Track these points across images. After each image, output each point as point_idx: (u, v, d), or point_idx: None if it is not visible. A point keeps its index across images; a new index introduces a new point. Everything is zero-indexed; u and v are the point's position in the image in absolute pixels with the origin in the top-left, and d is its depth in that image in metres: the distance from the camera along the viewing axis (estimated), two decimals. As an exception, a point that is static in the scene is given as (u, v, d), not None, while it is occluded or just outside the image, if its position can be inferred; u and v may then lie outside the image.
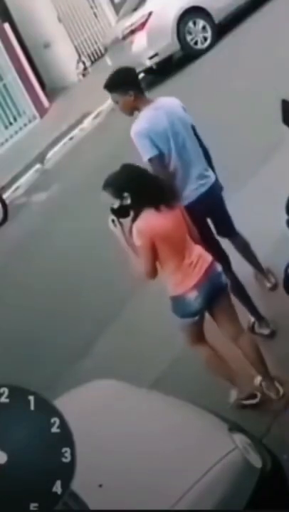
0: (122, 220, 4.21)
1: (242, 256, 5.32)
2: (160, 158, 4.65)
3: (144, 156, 4.66)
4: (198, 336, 4.44)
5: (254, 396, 4.51)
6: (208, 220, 4.99)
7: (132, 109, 4.82)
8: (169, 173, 4.70)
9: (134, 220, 4.14)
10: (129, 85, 4.78)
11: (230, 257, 4.98)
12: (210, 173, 4.96)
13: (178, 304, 4.27)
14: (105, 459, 3.39)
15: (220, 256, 4.72)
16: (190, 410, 3.79)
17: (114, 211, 4.14)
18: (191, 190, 4.80)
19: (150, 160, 4.65)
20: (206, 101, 9.75)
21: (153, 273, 4.16)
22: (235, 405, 4.54)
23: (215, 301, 4.32)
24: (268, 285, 5.38)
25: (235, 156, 7.43)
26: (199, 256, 4.23)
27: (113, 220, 4.18)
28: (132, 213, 4.15)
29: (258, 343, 4.54)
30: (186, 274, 4.18)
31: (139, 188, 4.11)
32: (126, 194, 4.09)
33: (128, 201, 4.10)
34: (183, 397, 4.18)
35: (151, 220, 4.10)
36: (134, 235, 4.11)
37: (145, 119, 4.70)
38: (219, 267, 4.30)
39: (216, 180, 4.98)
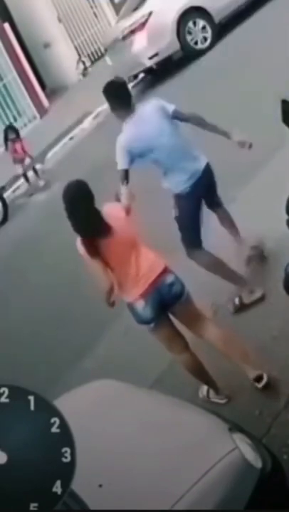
0: None
1: (228, 232, 5.56)
2: (127, 172, 5.05)
3: (118, 165, 5.10)
4: (170, 341, 4.48)
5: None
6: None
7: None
8: (129, 191, 5.00)
9: None
10: None
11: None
12: (200, 159, 5.25)
13: (131, 310, 4.38)
14: (105, 459, 3.39)
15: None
16: (190, 410, 3.79)
17: None
18: (185, 181, 5.17)
19: (120, 170, 5.08)
20: (206, 101, 9.74)
21: (106, 281, 4.26)
22: (203, 400, 4.66)
23: (170, 308, 4.40)
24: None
25: (235, 156, 7.42)
26: (149, 266, 4.29)
27: None
28: None
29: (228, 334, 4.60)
30: (133, 284, 4.29)
31: (70, 212, 4.32)
32: None
33: None
34: (183, 397, 4.18)
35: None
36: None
37: (129, 134, 5.07)
38: (170, 278, 4.33)
39: (207, 164, 5.27)
